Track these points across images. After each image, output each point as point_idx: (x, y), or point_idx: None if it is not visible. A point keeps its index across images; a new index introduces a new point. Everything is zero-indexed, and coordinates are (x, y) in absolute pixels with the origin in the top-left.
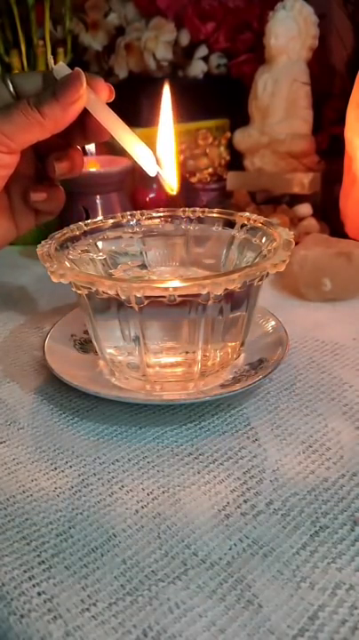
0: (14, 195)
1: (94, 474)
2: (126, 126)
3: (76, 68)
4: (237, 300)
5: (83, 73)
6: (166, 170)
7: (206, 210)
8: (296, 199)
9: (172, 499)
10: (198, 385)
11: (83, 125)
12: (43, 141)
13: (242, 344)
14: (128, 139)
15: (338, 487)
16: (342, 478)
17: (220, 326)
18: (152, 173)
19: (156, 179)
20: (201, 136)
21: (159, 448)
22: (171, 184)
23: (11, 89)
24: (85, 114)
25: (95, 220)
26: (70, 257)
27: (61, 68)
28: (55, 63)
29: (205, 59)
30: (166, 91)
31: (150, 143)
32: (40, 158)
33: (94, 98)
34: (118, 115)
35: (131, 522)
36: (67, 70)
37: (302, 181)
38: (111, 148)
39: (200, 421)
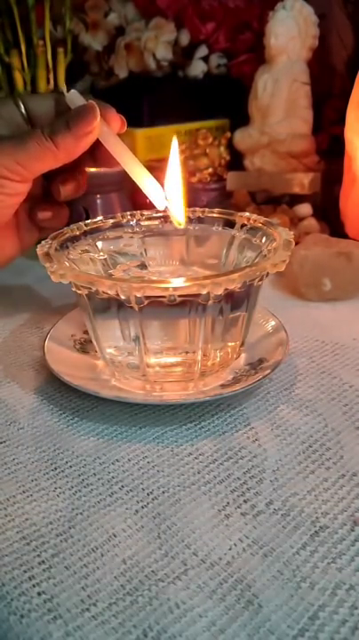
0: (21, 213)
1: (94, 474)
2: (136, 158)
3: (90, 101)
4: (237, 300)
5: (97, 106)
6: (174, 204)
7: (206, 210)
8: (296, 199)
9: (172, 499)
10: (198, 385)
11: (94, 153)
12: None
13: (242, 344)
14: (138, 171)
15: (338, 487)
16: (342, 478)
17: (220, 326)
18: (160, 207)
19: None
20: (201, 136)
21: (159, 448)
22: (179, 218)
23: (23, 110)
24: (96, 142)
25: (95, 220)
26: (70, 257)
27: (74, 97)
28: (68, 90)
29: (205, 59)
30: (174, 144)
31: (151, 143)
32: (47, 178)
33: (106, 129)
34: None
35: (131, 522)
36: (81, 99)
37: (302, 181)
38: None
39: (200, 421)
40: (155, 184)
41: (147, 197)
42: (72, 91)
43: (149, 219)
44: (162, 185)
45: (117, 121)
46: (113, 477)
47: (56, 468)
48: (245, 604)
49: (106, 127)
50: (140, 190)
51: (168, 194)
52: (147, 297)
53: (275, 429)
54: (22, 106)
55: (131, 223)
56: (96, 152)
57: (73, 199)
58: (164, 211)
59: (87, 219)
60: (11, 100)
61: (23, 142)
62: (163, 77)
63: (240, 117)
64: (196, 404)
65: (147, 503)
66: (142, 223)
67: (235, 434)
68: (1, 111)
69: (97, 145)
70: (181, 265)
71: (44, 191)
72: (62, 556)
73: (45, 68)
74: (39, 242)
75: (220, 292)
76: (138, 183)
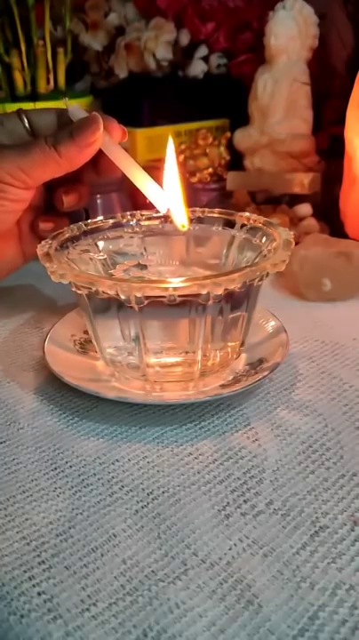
0: (23, 224)
1: (94, 474)
2: (138, 165)
3: (93, 113)
4: (237, 300)
5: (100, 117)
6: (176, 208)
7: (206, 210)
8: (296, 199)
9: (172, 499)
10: (198, 385)
11: (96, 163)
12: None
13: (242, 344)
14: (140, 177)
15: (338, 487)
16: (342, 478)
17: (220, 326)
18: (163, 211)
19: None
20: (201, 136)
21: (159, 448)
22: (182, 222)
23: (27, 124)
24: (98, 152)
25: (95, 220)
26: (70, 257)
27: (77, 110)
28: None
29: (205, 59)
30: (170, 143)
31: (151, 143)
32: (49, 189)
33: (108, 139)
34: (119, 116)
35: (131, 522)
36: (83, 112)
37: (302, 181)
38: None
39: (200, 421)
40: (157, 189)
41: (147, 198)
42: (75, 105)
43: (149, 219)
44: (162, 188)
45: (119, 131)
46: (113, 477)
47: (56, 469)
48: (245, 604)
49: (108, 138)
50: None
51: (169, 198)
52: (147, 297)
53: (275, 429)
54: (26, 120)
55: (131, 223)
56: (98, 163)
57: (75, 210)
58: (167, 214)
59: (87, 219)
60: (15, 114)
61: (27, 150)
62: (163, 77)
63: (240, 117)
64: (196, 404)
65: (147, 503)
66: (142, 223)
67: (235, 434)
68: (5, 123)
69: (99, 156)
70: (181, 265)
71: (46, 203)
72: (62, 556)
73: (45, 67)
74: None
75: (220, 291)
76: (141, 189)
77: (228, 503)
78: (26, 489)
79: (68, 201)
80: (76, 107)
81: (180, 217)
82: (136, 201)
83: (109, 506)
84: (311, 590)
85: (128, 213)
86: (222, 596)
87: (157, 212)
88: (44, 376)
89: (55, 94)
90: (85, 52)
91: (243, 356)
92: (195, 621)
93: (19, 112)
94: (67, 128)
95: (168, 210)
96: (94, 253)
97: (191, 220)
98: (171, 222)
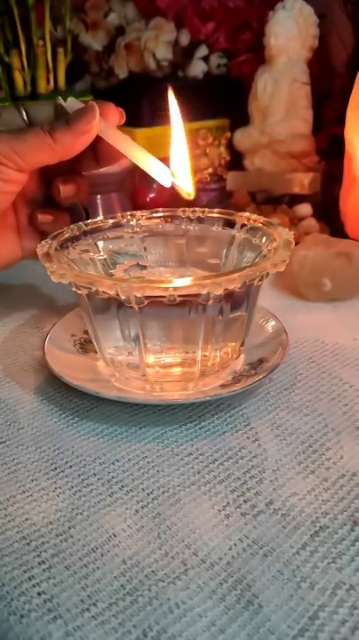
0: (22, 217)
1: (94, 474)
2: (137, 145)
3: (90, 102)
4: (237, 300)
5: (97, 107)
6: (181, 178)
7: (206, 210)
8: (296, 199)
9: (172, 499)
10: (198, 385)
11: (95, 150)
12: (52, 166)
13: (242, 344)
14: (140, 155)
15: (338, 487)
16: (342, 478)
17: (220, 326)
18: (167, 184)
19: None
20: (201, 136)
21: (159, 448)
22: (188, 190)
23: (24, 116)
24: (97, 140)
25: (95, 219)
26: (70, 257)
27: (73, 103)
28: (65, 100)
29: (205, 59)
30: (171, 95)
31: (151, 143)
32: (47, 183)
33: (105, 125)
34: None
35: (131, 522)
36: (79, 104)
37: (302, 181)
38: None
39: (200, 421)
40: (159, 164)
41: (147, 196)
42: (71, 98)
43: (149, 219)
44: (167, 161)
45: (116, 114)
46: (113, 477)
47: (56, 468)
48: (245, 604)
49: (104, 124)
50: (144, 181)
51: (173, 166)
52: (147, 297)
53: (275, 429)
54: (24, 112)
55: (132, 223)
56: (97, 151)
57: (74, 202)
58: (172, 187)
59: (87, 219)
60: (14, 107)
61: (22, 133)
62: (163, 77)
63: (240, 117)
64: (196, 404)
65: (147, 503)
66: (142, 223)
67: (235, 434)
68: (2, 115)
69: (98, 144)
70: (181, 265)
71: (46, 197)
72: (62, 555)
73: (45, 67)
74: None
75: (220, 292)
76: (142, 167)
77: (228, 503)
78: (26, 489)
79: (65, 190)
80: (72, 101)
81: (186, 186)
82: (136, 201)
83: (109, 506)
84: (311, 590)
85: (128, 213)
86: (222, 596)
87: (157, 211)
88: (44, 376)
89: (55, 94)
90: (85, 52)
91: (243, 356)
92: (195, 621)
93: (17, 105)
94: (63, 117)
95: (173, 183)
96: (94, 253)
97: (191, 220)
98: (170, 220)
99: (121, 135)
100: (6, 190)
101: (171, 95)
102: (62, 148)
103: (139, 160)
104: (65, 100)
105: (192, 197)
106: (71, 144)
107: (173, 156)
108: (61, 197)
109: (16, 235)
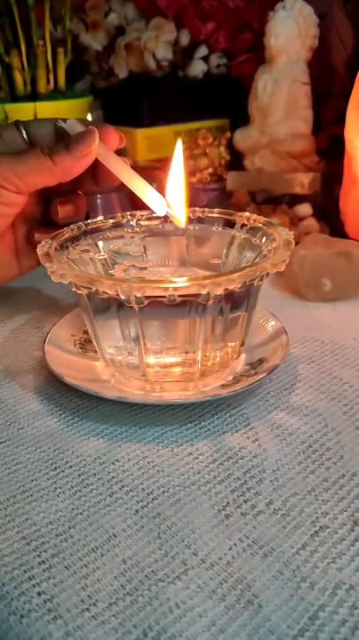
0: (20, 235)
1: (94, 474)
2: (135, 173)
3: (90, 127)
4: (237, 300)
5: (96, 131)
6: (175, 209)
7: (206, 210)
8: (296, 199)
9: (172, 499)
10: (198, 385)
11: (95, 173)
12: (50, 187)
13: (242, 344)
14: (138, 184)
15: (338, 487)
16: (342, 478)
17: (220, 326)
18: (162, 213)
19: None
20: (201, 136)
21: (159, 448)
22: (180, 220)
23: (25, 135)
24: (97, 163)
25: (95, 219)
26: (70, 257)
27: (74, 124)
28: (65, 121)
29: (205, 59)
30: (179, 147)
31: (151, 143)
32: (45, 201)
33: (104, 149)
34: (119, 116)
35: (131, 522)
36: (80, 126)
37: (302, 181)
38: None
39: (200, 421)
40: (155, 194)
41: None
42: (71, 119)
43: (149, 219)
44: (162, 190)
45: (115, 138)
46: (113, 477)
47: (56, 469)
48: (245, 604)
49: (103, 148)
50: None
51: (169, 198)
52: (147, 297)
53: (275, 429)
54: (24, 131)
55: (132, 223)
56: (97, 173)
57: (70, 222)
58: (165, 217)
59: (87, 219)
60: (13, 126)
61: (22, 156)
62: (163, 77)
63: (240, 117)
64: (196, 404)
65: (147, 503)
66: (142, 223)
67: (235, 434)
68: (3, 135)
69: (97, 166)
70: (181, 265)
71: (44, 216)
72: (62, 556)
73: (45, 68)
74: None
75: (220, 291)
76: (139, 195)
77: (228, 503)
78: (26, 489)
79: (64, 212)
80: (72, 121)
81: (179, 215)
82: (136, 201)
83: (109, 506)
84: (311, 590)
85: (128, 213)
86: (222, 596)
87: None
88: (44, 376)
89: (55, 94)
90: (85, 52)
91: (243, 356)
92: (195, 621)
93: (16, 123)
94: (63, 140)
95: (167, 213)
96: (94, 253)
97: (191, 220)
98: (170, 220)
99: (119, 161)
100: (5, 213)
101: (179, 148)
102: (62, 171)
103: (135, 187)
104: (64, 121)
105: (182, 226)
106: (70, 167)
107: (170, 189)
108: (59, 218)
109: (14, 254)
